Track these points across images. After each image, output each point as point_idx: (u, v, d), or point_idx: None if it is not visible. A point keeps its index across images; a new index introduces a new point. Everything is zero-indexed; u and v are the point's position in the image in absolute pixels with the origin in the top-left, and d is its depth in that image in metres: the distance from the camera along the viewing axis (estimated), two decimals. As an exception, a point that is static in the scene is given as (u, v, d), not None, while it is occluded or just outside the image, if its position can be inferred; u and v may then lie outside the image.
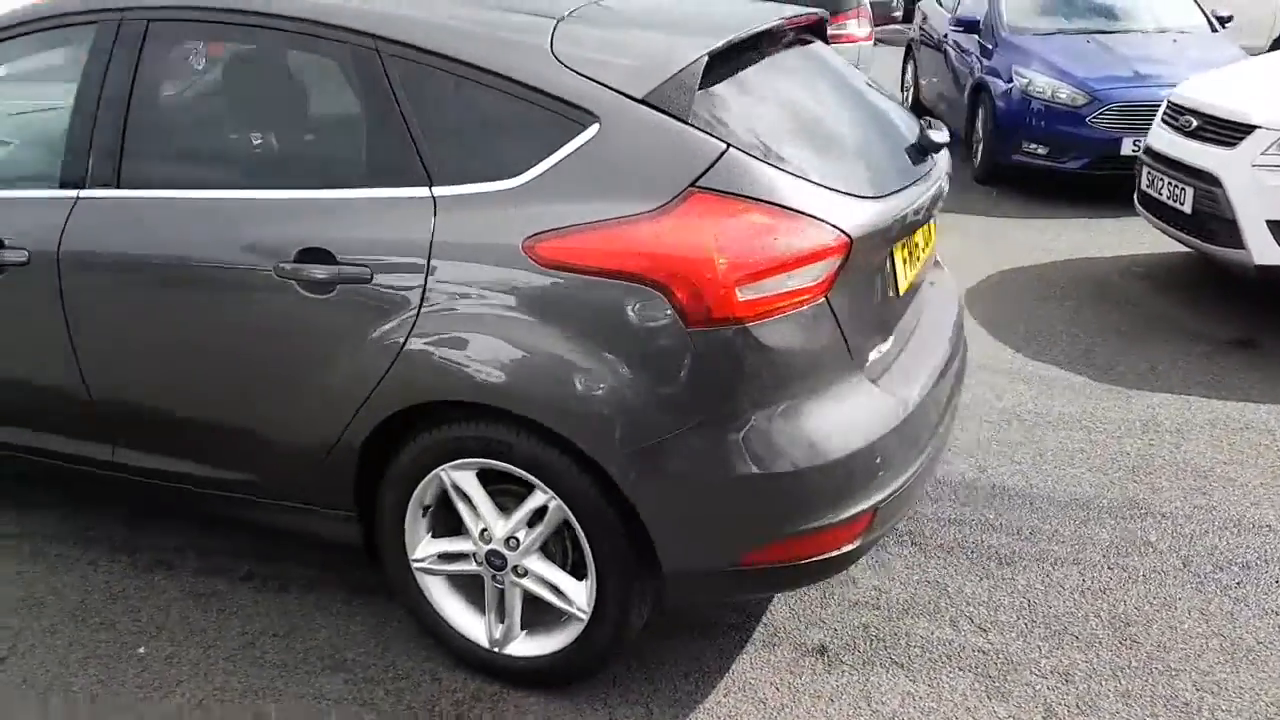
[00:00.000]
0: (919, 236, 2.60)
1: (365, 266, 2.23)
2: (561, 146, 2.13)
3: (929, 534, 3.09)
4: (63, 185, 2.59)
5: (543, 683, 2.42)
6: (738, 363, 2.03)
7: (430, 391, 2.23)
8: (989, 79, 7.32)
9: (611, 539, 2.18)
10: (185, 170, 2.54)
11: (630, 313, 2.03)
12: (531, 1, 2.43)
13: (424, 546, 2.42)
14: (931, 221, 2.73)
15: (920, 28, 9.49)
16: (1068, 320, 4.84)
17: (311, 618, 2.71)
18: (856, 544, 2.23)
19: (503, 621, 2.39)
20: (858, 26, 7.34)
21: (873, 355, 2.29)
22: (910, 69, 9.95)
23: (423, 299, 2.19)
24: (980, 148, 7.49)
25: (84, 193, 2.56)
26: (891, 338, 2.40)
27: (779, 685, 2.46)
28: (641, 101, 2.10)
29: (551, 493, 2.20)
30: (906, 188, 2.38)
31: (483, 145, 2.21)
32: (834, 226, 2.08)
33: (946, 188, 2.70)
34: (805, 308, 2.07)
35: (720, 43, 2.16)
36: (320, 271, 2.26)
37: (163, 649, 2.60)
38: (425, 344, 2.19)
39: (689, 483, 2.09)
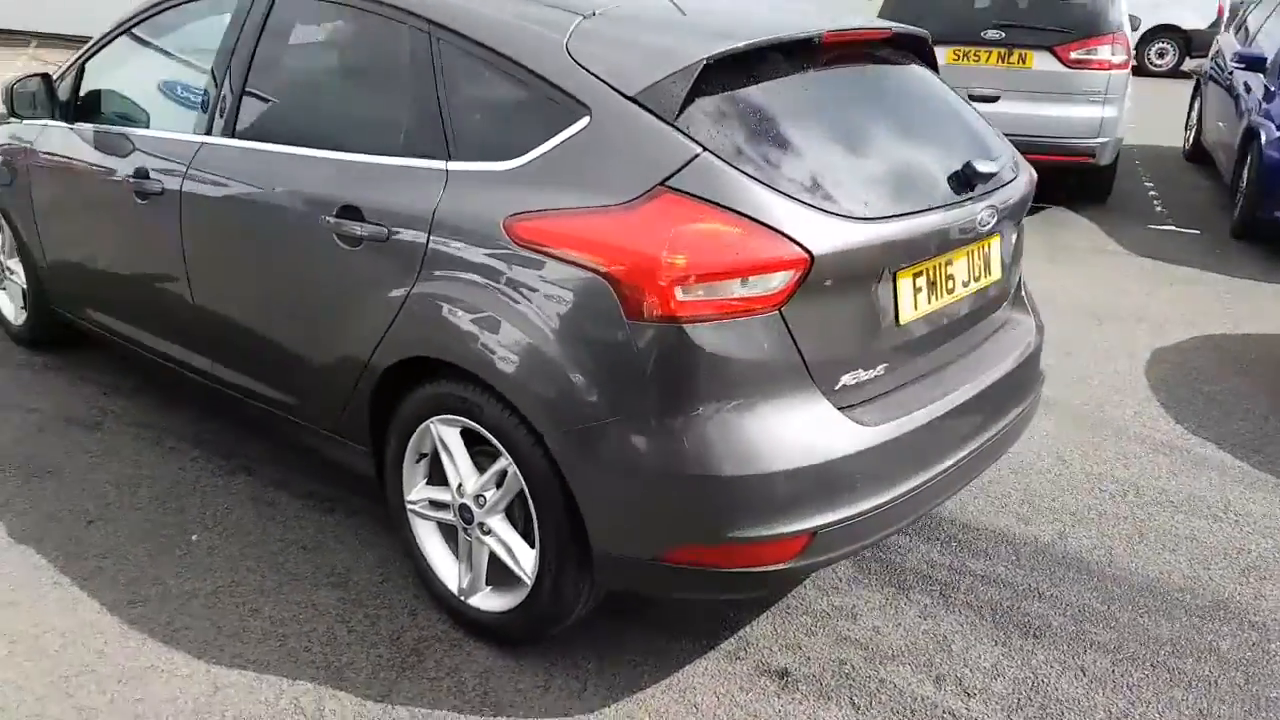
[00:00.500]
0: (957, 269, 2.47)
1: (384, 227, 2.45)
2: (556, 134, 2.23)
3: (962, 588, 2.91)
4: (195, 131, 3.02)
5: (495, 637, 2.55)
6: (672, 361, 2.05)
7: (419, 346, 2.41)
8: (1262, 123, 6.56)
9: (554, 511, 2.26)
10: (277, 127, 2.88)
11: (583, 299, 2.11)
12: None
13: (418, 491, 2.62)
14: (996, 256, 2.59)
15: (1213, 61, 8.60)
16: (1261, 400, 4.29)
17: (340, 539, 2.99)
18: (790, 564, 2.18)
19: (471, 572, 2.55)
20: (1111, 53, 6.78)
21: (846, 379, 2.22)
22: (1195, 107, 9.05)
23: (423, 262, 2.37)
24: (1241, 199, 6.73)
25: (207, 139, 2.97)
26: (882, 366, 2.30)
27: (721, 696, 2.44)
28: (632, 99, 2.16)
29: (510, 459, 2.32)
30: (921, 213, 2.28)
31: (495, 128, 2.36)
32: (794, 241, 2.04)
33: (1001, 222, 2.55)
34: (754, 318, 2.06)
35: (721, 49, 2.18)
36: (352, 227, 2.50)
37: (211, 540, 2.97)
38: (420, 304, 2.38)
39: (618, 471, 2.14)
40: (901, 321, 2.32)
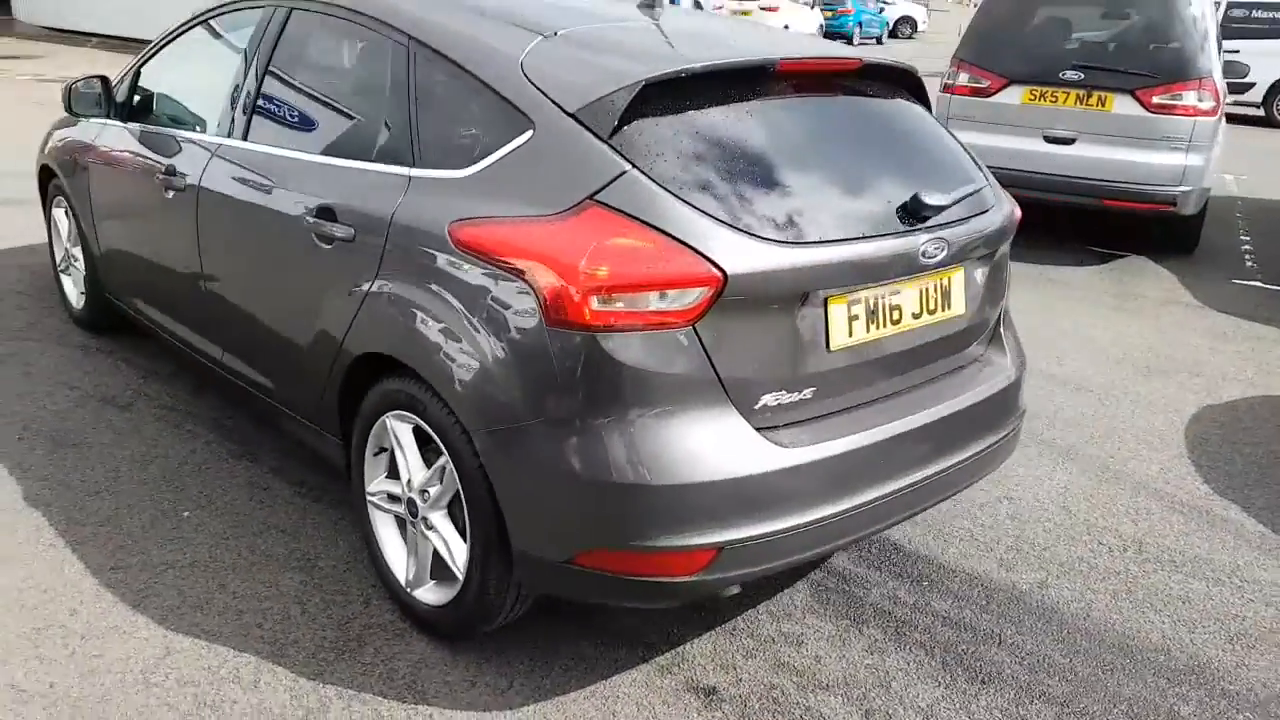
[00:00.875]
0: (905, 299, 2.46)
1: (352, 228, 2.58)
2: (503, 146, 2.33)
3: (920, 627, 2.87)
4: (216, 133, 3.24)
5: (434, 630, 2.63)
6: (585, 368, 2.11)
7: (374, 343, 2.53)
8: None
9: (482, 510, 2.33)
10: (279, 132, 3.06)
11: (510, 303, 2.19)
12: (547, 19, 2.63)
13: (377, 484, 2.73)
14: (960, 291, 2.58)
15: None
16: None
17: (319, 526, 3.13)
18: (695, 578, 2.20)
19: (416, 565, 2.64)
20: (1198, 99, 6.53)
21: (766, 399, 2.24)
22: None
23: (381, 262, 2.50)
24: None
25: (224, 141, 3.18)
26: (809, 390, 2.31)
27: (641, 707, 2.46)
28: (572, 115, 2.24)
29: (446, 455, 2.41)
30: (852, 241, 2.28)
31: (454, 138, 2.47)
32: (709, 260, 2.08)
33: (960, 256, 2.53)
34: (667, 332, 2.10)
35: (661, 72, 2.24)
36: (327, 227, 2.65)
37: (200, 517, 3.14)
38: (375, 302, 2.50)
39: (533, 472, 2.20)
40: (832, 347, 2.32)
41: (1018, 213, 2.90)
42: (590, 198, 2.15)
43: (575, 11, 2.81)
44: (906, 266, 2.39)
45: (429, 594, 2.61)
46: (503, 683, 2.52)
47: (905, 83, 2.87)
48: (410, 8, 2.73)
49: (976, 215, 2.66)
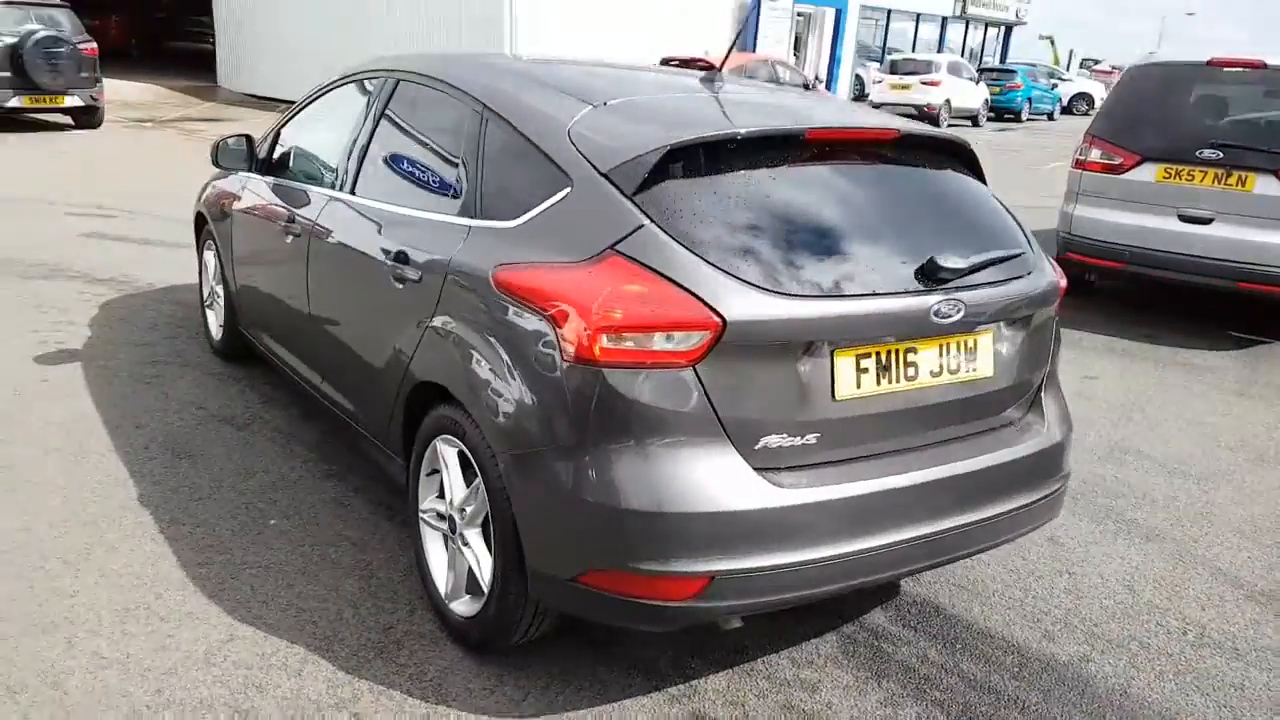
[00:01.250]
0: (923, 357, 2.55)
1: (418, 269, 2.88)
2: (546, 200, 2.58)
3: (942, 686, 2.87)
4: (330, 186, 3.64)
5: (464, 640, 2.83)
6: (594, 400, 2.29)
7: (428, 373, 2.80)
8: None
9: (504, 526, 2.54)
10: (376, 186, 3.41)
11: (534, 339, 2.42)
12: (602, 90, 2.88)
13: (428, 502, 2.98)
14: (988, 352, 2.66)
15: None
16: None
17: (383, 541, 3.40)
18: (687, 604, 2.33)
19: (454, 578, 2.86)
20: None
21: (767, 441, 2.37)
22: None
23: (438, 301, 2.77)
24: None
25: (334, 194, 3.57)
26: (813, 436, 2.42)
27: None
28: (604, 175, 2.47)
29: (480, 477, 2.64)
30: (860, 297, 2.40)
31: (510, 193, 2.73)
32: (709, 306, 2.25)
33: (987, 319, 2.62)
34: (669, 370, 2.28)
35: (685, 138, 2.44)
36: (400, 269, 2.96)
37: (284, 526, 3.47)
38: (431, 337, 2.78)
39: (544, 493, 2.40)
40: (838, 397, 2.43)
41: (1062, 282, 2.93)
42: (611, 247, 2.36)
43: (635, 83, 3.08)
44: (917, 326, 2.48)
45: (463, 606, 2.82)
46: (519, 694, 2.69)
47: (958, 154, 2.97)
48: (486, 79, 3.05)
49: (1010, 280, 2.72)
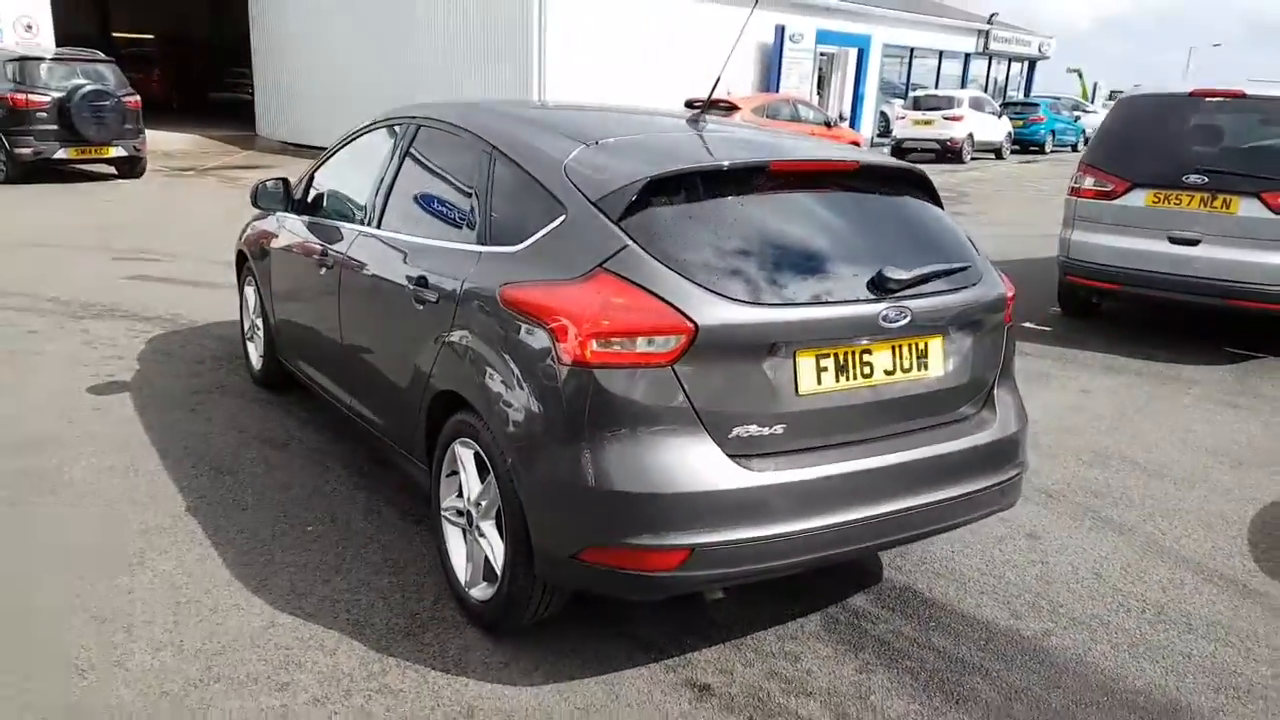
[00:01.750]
0: (878, 359, 2.88)
1: (436, 292, 3.26)
2: (545, 226, 2.96)
3: (912, 656, 3.15)
4: (359, 222, 4.04)
5: (481, 622, 3.16)
6: (587, 396, 2.64)
7: (445, 383, 3.17)
8: None
9: (513, 514, 2.89)
10: (398, 220, 3.81)
11: (534, 346, 2.78)
12: (596, 130, 3.26)
13: (448, 500, 3.32)
14: (939, 355, 2.99)
15: None
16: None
17: (410, 542, 3.75)
18: (673, 573, 2.66)
19: (471, 567, 3.20)
20: (1321, 202, 6.50)
21: (739, 431, 2.70)
22: None
23: (453, 318, 3.15)
24: None
25: (362, 228, 3.98)
26: (780, 427, 2.75)
27: (641, 693, 2.89)
28: (594, 203, 2.85)
29: (492, 473, 2.99)
30: (814, 305, 2.75)
31: (514, 222, 3.11)
32: (684, 314, 2.61)
33: (934, 324, 2.95)
34: (650, 369, 2.63)
35: (663, 170, 2.81)
36: (421, 292, 3.34)
37: (320, 531, 3.83)
38: (448, 350, 3.15)
39: (548, 481, 2.74)
40: (801, 392, 2.77)
41: (1010, 292, 3.26)
42: (600, 265, 2.73)
43: (625, 124, 3.47)
44: (868, 330, 2.82)
45: (480, 591, 3.16)
46: (530, 667, 3.02)
47: (916, 182, 3.32)
48: (494, 123, 3.46)
49: (957, 290, 3.05)
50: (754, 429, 2.72)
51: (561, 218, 2.91)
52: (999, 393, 3.28)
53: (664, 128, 3.52)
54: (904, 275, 2.86)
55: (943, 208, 3.35)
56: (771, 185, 2.97)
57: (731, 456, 2.69)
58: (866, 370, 2.87)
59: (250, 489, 4.19)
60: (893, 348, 2.92)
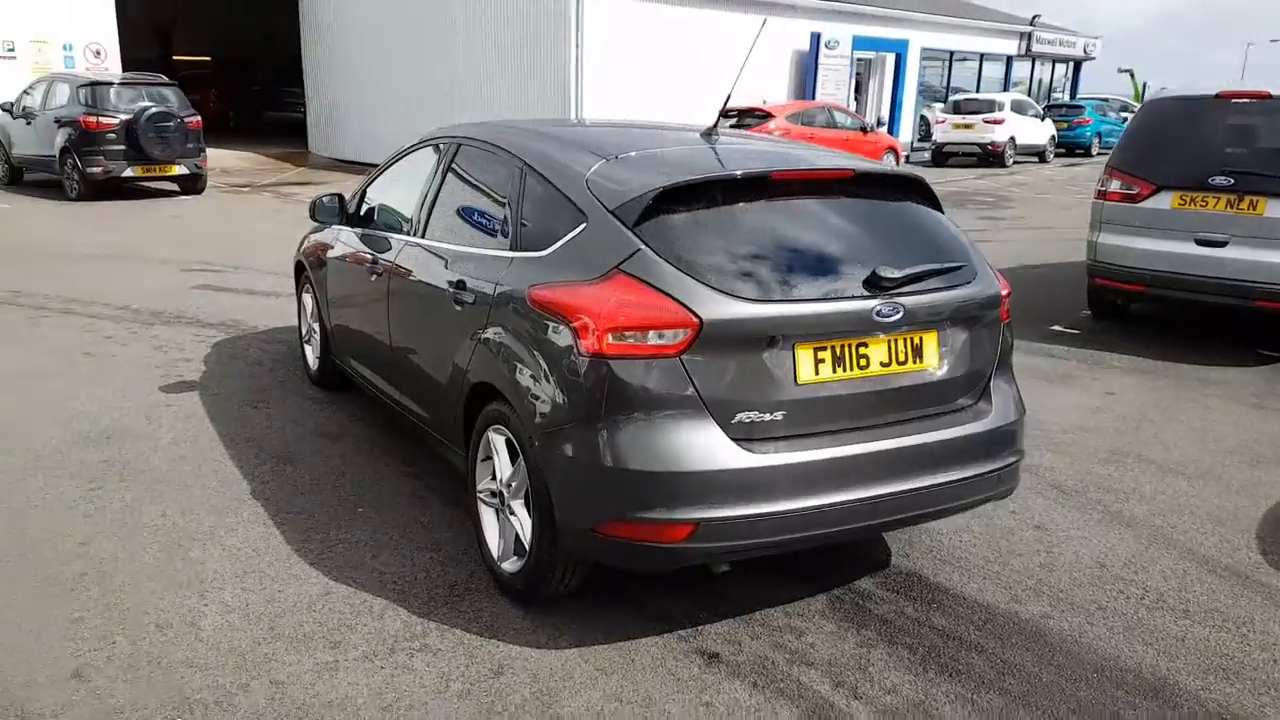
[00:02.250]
0: (873, 352, 3.14)
1: (473, 294, 3.58)
2: (568, 233, 3.26)
3: (911, 633, 3.38)
4: (407, 233, 4.39)
5: (512, 591, 3.47)
6: (605, 385, 2.94)
7: (480, 375, 3.49)
8: None
9: (540, 492, 3.19)
10: (441, 230, 4.15)
11: (558, 340, 3.08)
12: (615, 146, 3.56)
13: (483, 483, 3.63)
14: (934, 349, 3.22)
15: None
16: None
17: (451, 524, 4.07)
18: (680, 545, 2.94)
19: (503, 543, 3.51)
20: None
21: (741, 417, 2.97)
22: None
23: (488, 317, 3.47)
24: None
25: (409, 239, 4.33)
26: (780, 413, 3.02)
27: (654, 659, 3.16)
28: (611, 212, 3.15)
29: (521, 456, 3.30)
30: (811, 301, 3.01)
31: (542, 230, 3.42)
32: (690, 310, 2.89)
33: (929, 320, 3.20)
34: (660, 360, 2.92)
35: (673, 181, 3.10)
36: (460, 294, 3.67)
37: (370, 513, 4.17)
38: (483, 346, 3.47)
39: (569, 461, 3.03)
40: (800, 381, 3.03)
41: (1005, 291, 3.49)
42: (616, 267, 3.02)
43: (644, 139, 3.77)
44: (863, 324, 3.08)
45: (511, 565, 3.46)
46: (556, 633, 3.31)
47: (914, 187, 3.57)
48: (526, 141, 3.79)
49: (952, 288, 3.29)
50: (756, 415, 2.99)
51: (583, 225, 3.21)
52: (995, 384, 3.50)
53: (680, 141, 3.82)
54: (896, 274, 3.11)
55: (942, 211, 3.59)
56: (773, 192, 3.25)
57: (735, 440, 2.96)
58: (863, 362, 3.13)
59: (308, 476, 4.55)
60: (888, 341, 3.17)
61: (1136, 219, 7.48)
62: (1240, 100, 7.25)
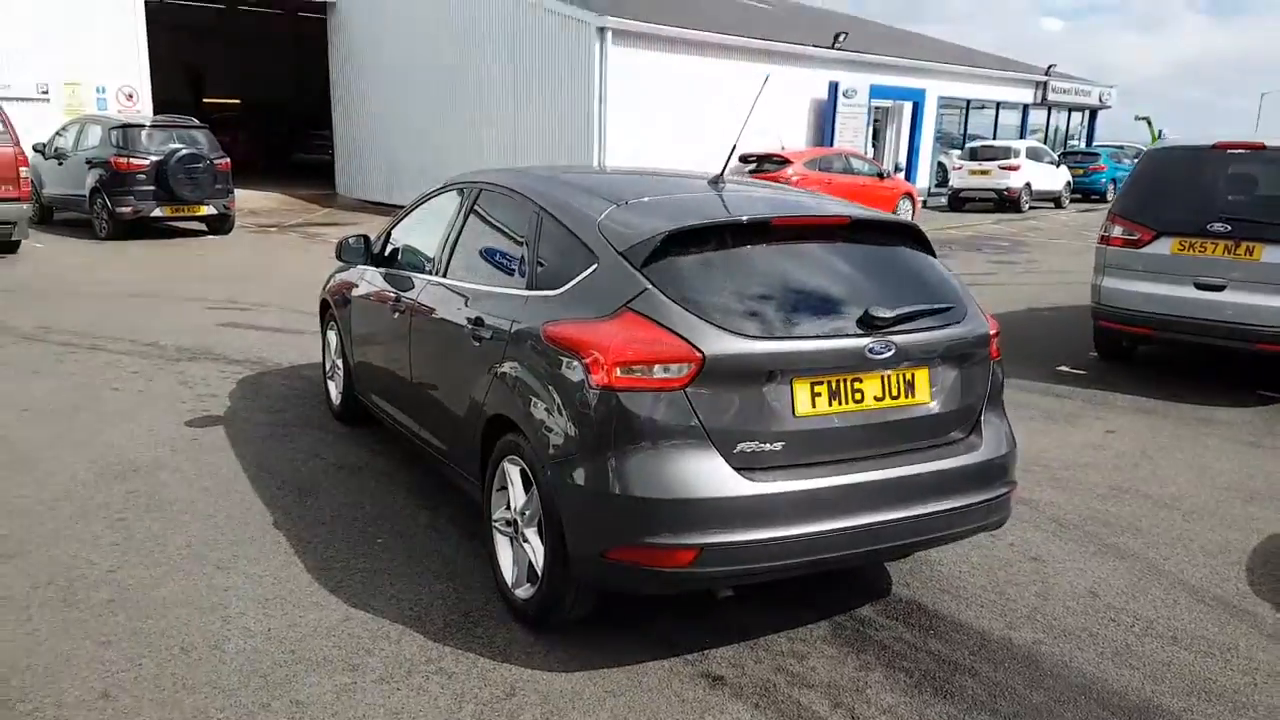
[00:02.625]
0: (867, 386, 3.31)
1: (491, 330, 3.78)
2: (580, 273, 3.46)
3: (909, 658, 3.51)
4: (429, 272, 4.60)
5: (524, 617, 3.62)
6: (613, 416, 3.12)
7: (496, 408, 3.67)
8: None
9: (552, 520, 3.35)
10: (462, 269, 4.36)
11: (569, 374, 3.26)
12: (626, 192, 3.77)
13: (498, 512, 3.80)
14: (925, 384, 3.38)
15: None
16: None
17: (467, 555, 4.23)
18: (685, 570, 3.09)
19: (517, 569, 3.67)
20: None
21: (742, 446, 3.14)
22: None
23: (504, 352, 3.66)
24: None
25: (431, 278, 4.54)
26: (779, 444, 3.19)
27: (660, 680, 3.30)
28: (621, 254, 3.35)
29: (535, 485, 3.47)
30: (808, 339, 3.19)
31: (556, 270, 3.62)
32: (693, 345, 3.08)
33: (921, 357, 3.37)
34: (665, 393, 3.09)
35: (678, 226, 3.30)
36: (478, 330, 3.87)
37: (389, 543, 4.34)
38: (499, 380, 3.65)
39: (580, 488, 3.20)
40: (797, 414, 3.20)
41: (993, 330, 3.66)
42: (624, 306, 3.22)
43: (654, 186, 3.98)
44: (856, 361, 3.25)
45: (523, 591, 3.62)
46: (566, 657, 3.46)
47: (908, 233, 3.76)
48: (542, 187, 4.01)
49: (942, 328, 3.47)
50: (756, 445, 3.16)
51: (594, 266, 3.41)
52: (986, 419, 3.66)
53: (689, 188, 4.02)
54: (888, 313, 3.29)
55: (935, 255, 3.78)
56: (773, 237, 3.44)
57: (736, 469, 3.13)
58: (858, 396, 3.30)
59: (328, 507, 4.73)
60: (881, 377, 3.34)
61: (1138, 264, 7.66)
62: (1237, 151, 7.45)
